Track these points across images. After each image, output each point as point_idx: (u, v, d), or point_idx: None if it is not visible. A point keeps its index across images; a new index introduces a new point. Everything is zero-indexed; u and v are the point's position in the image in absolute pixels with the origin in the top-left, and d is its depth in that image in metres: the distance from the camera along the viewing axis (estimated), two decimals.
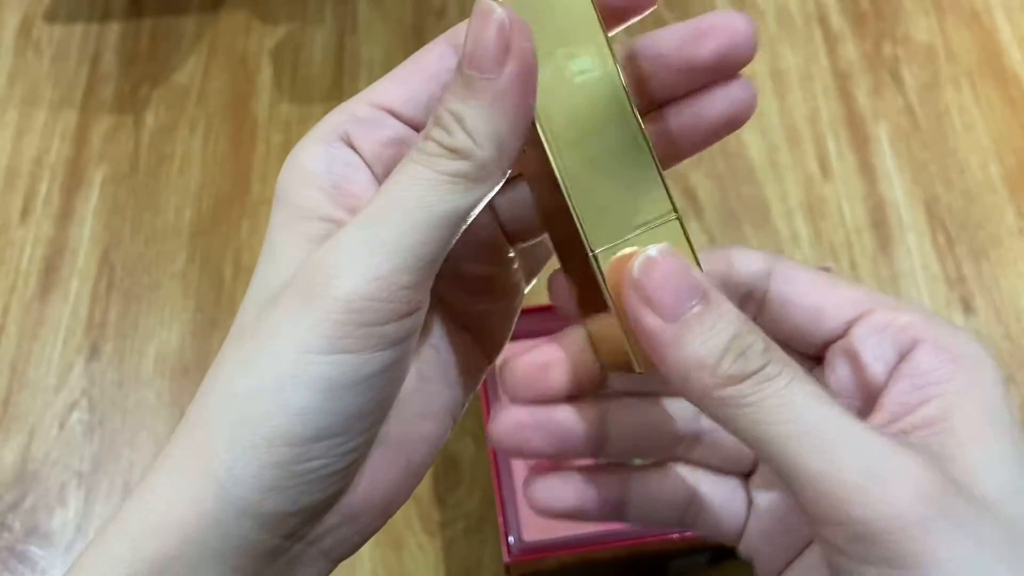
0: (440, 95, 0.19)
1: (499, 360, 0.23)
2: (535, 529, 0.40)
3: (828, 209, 0.54)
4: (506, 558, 0.40)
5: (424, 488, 0.47)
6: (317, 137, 0.22)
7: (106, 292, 0.53)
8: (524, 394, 0.23)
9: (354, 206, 0.20)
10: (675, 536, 0.39)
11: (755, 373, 0.18)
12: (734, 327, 0.18)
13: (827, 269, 0.26)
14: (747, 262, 0.23)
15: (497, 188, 0.20)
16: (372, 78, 0.61)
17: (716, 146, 0.60)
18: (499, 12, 0.18)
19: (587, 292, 0.21)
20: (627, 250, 0.20)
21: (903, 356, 0.20)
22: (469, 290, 0.22)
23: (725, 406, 0.18)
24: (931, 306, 0.50)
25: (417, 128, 0.21)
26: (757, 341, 0.18)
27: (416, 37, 0.62)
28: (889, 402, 0.20)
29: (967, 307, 0.50)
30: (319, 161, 0.21)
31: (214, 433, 0.19)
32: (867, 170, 0.55)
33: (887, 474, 0.17)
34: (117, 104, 0.60)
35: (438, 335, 0.22)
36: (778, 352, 0.19)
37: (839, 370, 0.22)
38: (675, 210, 0.20)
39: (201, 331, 0.52)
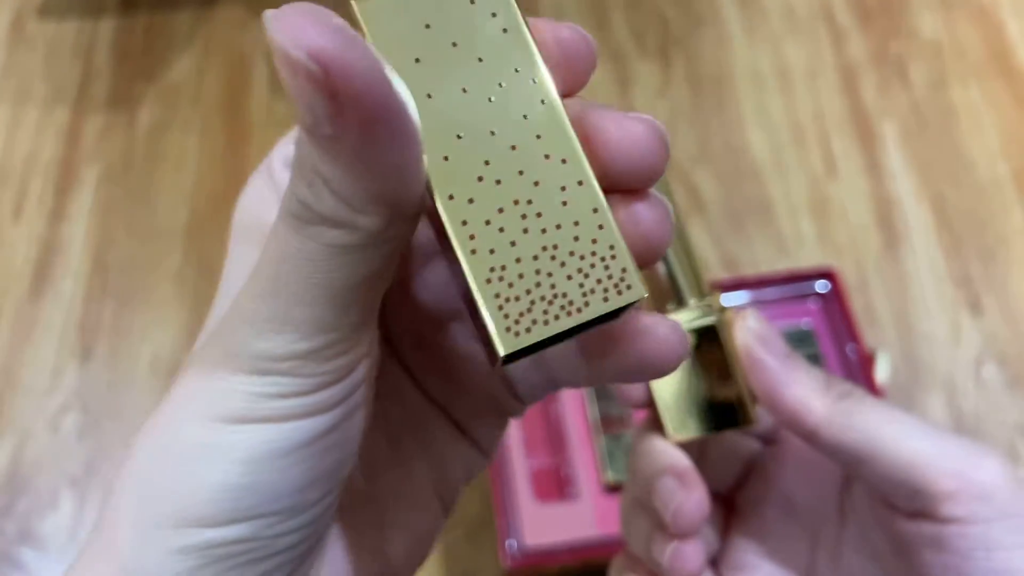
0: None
1: (664, 501, 0.25)
2: (535, 534, 0.40)
3: (833, 208, 0.53)
4: (506, 563, 0.39)
5: None
6: (266, 165, 0.19)
7: (100, 293, 0.53)
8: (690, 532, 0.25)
9: None
10: None
11: (853, 391, 0.23)
12: (819, 372, 0.24)
13: None
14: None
15: (412, 233, 0.16)
16: None
17: (720, 144, 0.60)
18: (301, 57, 0.13)
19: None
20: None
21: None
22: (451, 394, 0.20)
23: (840, 417, 0.22)
24: (938, 307, 0.50)
25: None
26: (838, 382, 0.24)
27: None
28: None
29: (974, 307, 0.49)
30: (270, 192, 0.19)
31: (120, 514, 0.16)
32: (873, 168, 0.54)
33: (983, 451, 0.22)
34: (111, 102, 0.60)
35: (422, 418, 0.20)
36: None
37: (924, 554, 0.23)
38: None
39: (196, 333, 0.51)
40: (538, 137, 0.15)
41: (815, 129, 0.56)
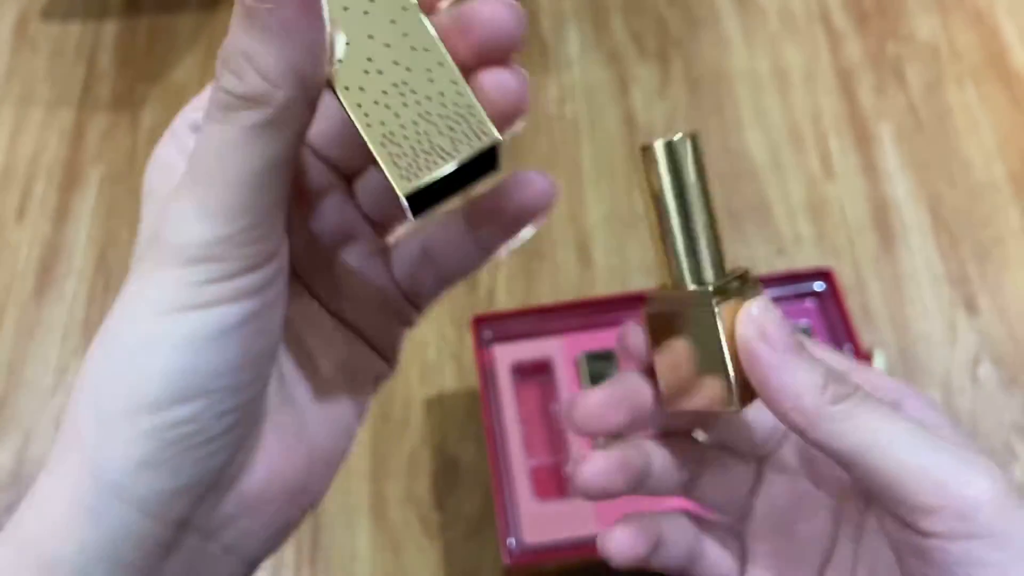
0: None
1: (564, 397, 0.26)
2: (535, 532, 0.40)
3: (831, 209, 0.53)
4: (506, 560, 0.39)
5: (424, 491, 0.46)
6: (171, 131, 0.22)
7: (103, 292, 0.53)
8: (588, 430, 0.25)
9: None
10: None
11: (852, 394, 0.22)
12: (824, 363, 0.22)
13: None
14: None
15: (309, 122, 0.19)
16: None
17: (718, 145, 0.60)
18: None
19: (668, 344, 0.24)
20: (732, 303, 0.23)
21: None
22: (347, 294, 0.23)
23: (833, 420, 0.21)
24: (935, 307, 0.50)
25: None
26: (843, 375, 0.22)
27: None
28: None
29: (970, 308, 0.50)
30: (178, 153, 0.21)
31: (80, 410, 0.18)
32: (870, 169, 0.54)
33: (974, 465, 0.21)
34: (114, 103, 0.60)
35: (324, 328, 0.23)
36: (859, 384, 0.22)
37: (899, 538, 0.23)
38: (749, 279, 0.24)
39: None
40: (404, 35, 0.19)
41: (812, 130, 0.56)
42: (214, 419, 0.18)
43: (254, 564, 0.21)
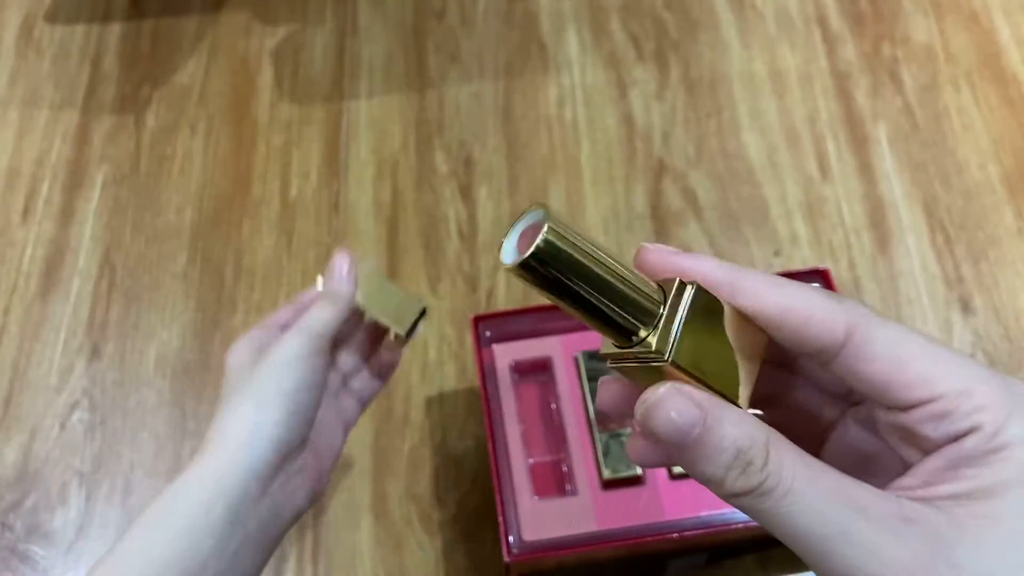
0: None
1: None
2: (534, 529, 0.41)
3: (827, 209, 0.54)
4: (506, 557, 0.40)
5: (424, 488, 0.47)
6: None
7: (107, 292, 0.53)
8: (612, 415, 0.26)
9: None
10: (675, 536, 0.39)
11: (755, 488, 0.21)
12: (734, 447, 0.21)
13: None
14: (822, 327, 0.22)
15: None
16: (372, 79, 0.61)
17: (715, 146, 0.60)
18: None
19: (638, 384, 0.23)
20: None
21: (956, 439, 0.21)
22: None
23: (741, 510, 0.21)
24: (930, 306, 0.50)
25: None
26: (757, 456, 0.21)
27: (416, 37, 0.62)
28: (921, 471, 0.21)
29: (966, 307, 0.50)
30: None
31: (240, 405, 0.35)
32: (866, 170, 0.55)
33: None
34: (118, 105, 0.60)
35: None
36: (779, 464, 0.21)
37: (889, 427, 0.22)
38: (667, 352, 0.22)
39: (202, 331, 0.52)
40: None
41: (809, 132, 0.56)
42: (309, 407, 0.35)
43: (298, 515, 0.35)
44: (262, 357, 0.35)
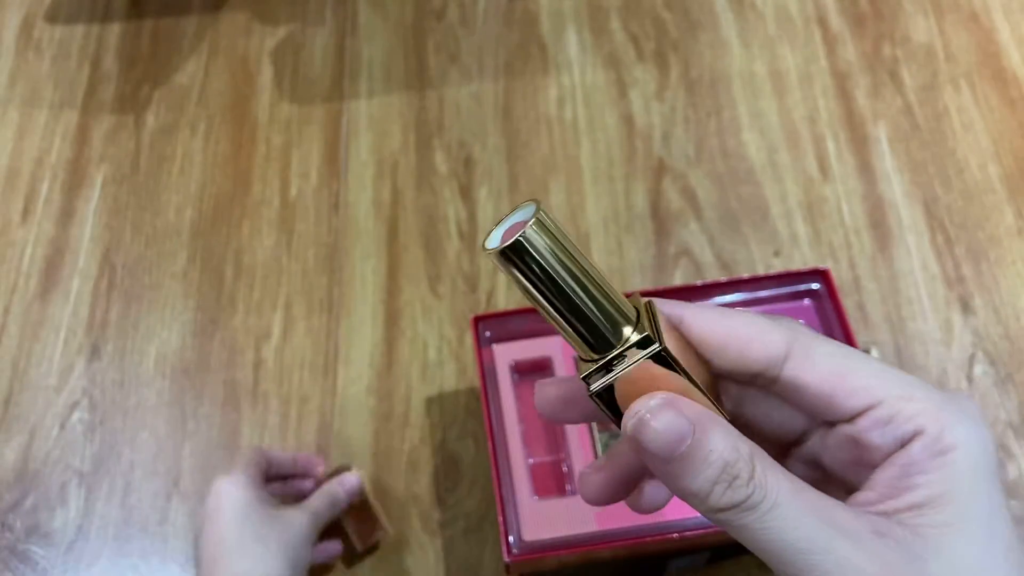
0: None
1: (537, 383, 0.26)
2: (535, 529, 0.41)
3: (827, 209, 0.54)
4: (506, 557, 0.40)
5: (424, 488, 0.47)
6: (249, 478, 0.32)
7: (107, 292, 0.53)
8: (550, 416, 0.25)
9: None
10: (675, 536, 0.39)
11: (741, 503, 0.20)
12: (721, 461, 0.20)
13: (867, 351, 0.25)
14: (764, 345, 0.22)
15: None
16: (372, 78, 0.61)
17: (716, 146, 0.60)
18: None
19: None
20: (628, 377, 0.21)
21: (903, 445, 0.21)
22: None
23: (721, 525, 0.21)
24: (930, 306, 0.50)
25: None
26: (744, 470, 0.21)
27: (416, 37, 0.62)
28: (877, 483, 0.21)
29: (966, 307, 0.50)
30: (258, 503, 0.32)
31: None
32: (866, 170, 0.55)
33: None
34: (118, 105, 0.60)
35: None
36: (764, 479, 0.21)
37: (838, 451, 0.23)
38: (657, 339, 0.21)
39: (202, 331, 0.52)
40: None
41: (809, 131, 0.56)
42: None
43: None
44: (273, 523, 0.41)
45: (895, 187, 0.54)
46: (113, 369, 0.51)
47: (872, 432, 0.21)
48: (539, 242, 0.20)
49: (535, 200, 0.21)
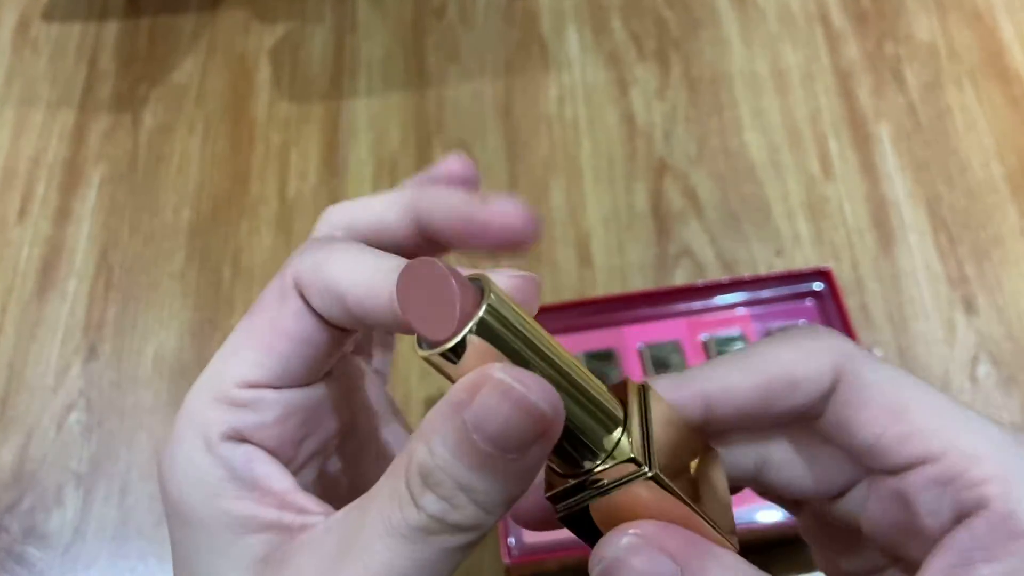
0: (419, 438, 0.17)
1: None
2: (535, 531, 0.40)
3: (830, 209, 0.53)
4: (506, 560, 0.39)
5: None
6: (199, 441, 0.19)
7: (104, 292, 0.53)
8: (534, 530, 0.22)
9: (282, 502, 0.18)
10: None
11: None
12: None
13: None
14: (809, 383, 0.18)
15: None
16: (371, 77, 0.61)
17: (717, 145, 0.60)
18: (537, 402, 0.16)
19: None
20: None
21: (961, 518, 0.17)
22: None
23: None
24: (933, 307, 0.50)
25: (298, 386, 0.19)
26: None
27: (415, 35, 0.62)
28: (931, 572, 0.17)
29: (969, 307, 0.50)
30: (216, 468, 0.18)
31: None
32: (869, 170, 0.55)
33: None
34: (115, 103, 0.60)
35: None
36: None
37: (881, 508, 0.19)
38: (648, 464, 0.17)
39: (200, 331, 0.52)
40: None
41: (811, 130, 0.56)
42: None
43: None
44: None
45: (898, 186, 0.54)
46: (111, 370, 0.51)
47: (925, 494, 0.17)
48: (492, 334, 0.16)
49: (479, 274, 0.17)
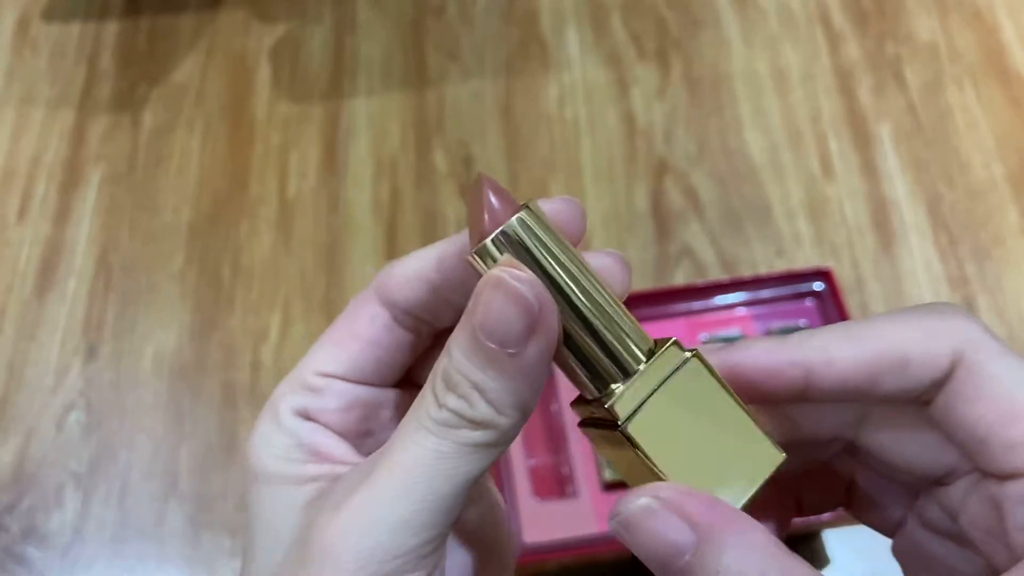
0: (448, 354, 0.18)
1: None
2: (534, 531, 0.40)
3: (830, 209, 0.53)
4: None
5: None
6: (273, 414, 0.21)
7: (104, 292, 0.53)
8: None
9: (338, 462, 0.20)
10: None
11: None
12: None
13: None
14: (923, 367, 0.17)
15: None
16: (371, 76, 0.61)
17: (718, 145, 0.60)
18: (524, 292, 0.17)
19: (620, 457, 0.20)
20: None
21: None
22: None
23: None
24: None
25: (364, 383, 0.22)
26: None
27: (415, 35, 0.62)
28: None
29: (970, 307, 0.50)
30: (284, 436, 0.21)
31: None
32: (869, 169, 0.55)
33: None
34: (115, 103, 0.60)
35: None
36: None
37: (978, 509, 0.18)
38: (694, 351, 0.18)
39: (199, 331, 0.52)
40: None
41: (812, 130, 0.56)
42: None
43: None
44: None
45: (898, 186, 0.54)
46: (110, 370, 0.51)
47: (1019, 506, 0.17)
48: (524, 237, 0.18)
49: (530, 201, 0.19)
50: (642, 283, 0.51)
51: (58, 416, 0.49)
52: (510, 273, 0.17)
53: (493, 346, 0.17)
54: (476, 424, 0.18)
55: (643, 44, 0.60)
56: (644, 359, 0.18)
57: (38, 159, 0.58)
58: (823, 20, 0.60)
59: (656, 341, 0.19)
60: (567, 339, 0.18)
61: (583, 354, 0.18)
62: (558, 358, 0.19)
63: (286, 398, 0.21)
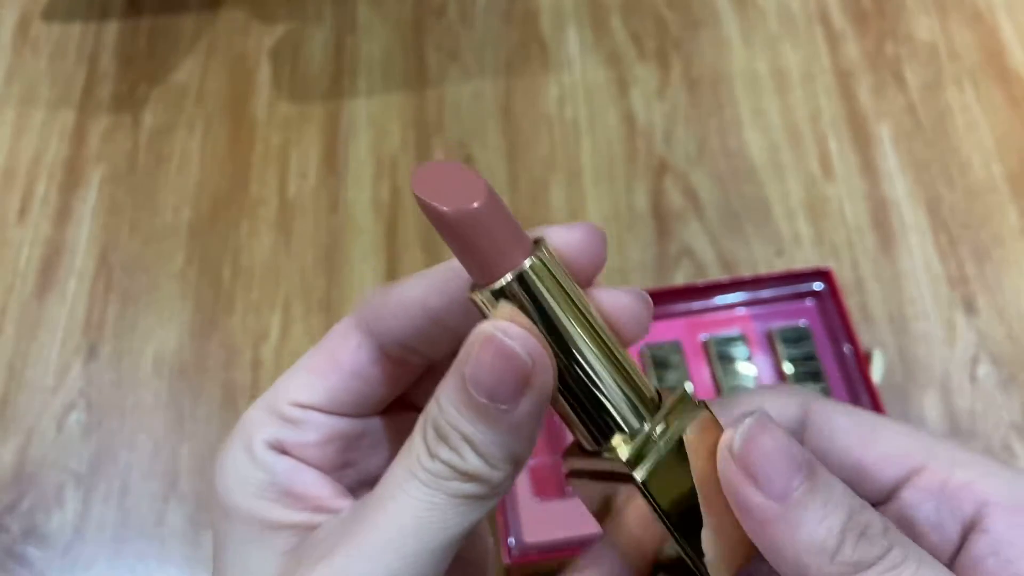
0: (435, 403, 0.18)
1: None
2: (534, 531, 0.40)
3: (830, 209, 0.53)
4: (506, 559, 0.39)
5: None
6: (245, 444, 0.20)
7: (104, 292, 0.53)
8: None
9: (316, 507, 0.20)
10: None
11: (880, 559, 0.16)
12: (848, 504, 0.16)
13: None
14: (777, 409, 0.19)
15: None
16: (371, 77, 0.61)
17: (718, 145, 0.60)
18: (517, 350, 0.17)
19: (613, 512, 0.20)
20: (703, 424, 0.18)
21: (970, 526, 0.17)
22: None
23: None
24: (933, 307, 0.50)
25: (344, 415, 0.21)
26: (875, 520, 0.16)
27: (415, 35, 0.62)
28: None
29: (969, 307, 0.50)
30: (258, 471, 0.20)
31: None
32: (869, 170, 0.55)
33: None
34: (115, 103, 0.60)
35: None
36: (897, 532, 0.16)
37: None
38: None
39: (199, 331, 0.52)
40: None
41: (812, 131, 0.56)
42: None
43: None
44: None
45: (898, 187, 0.54)
46: (110, 370, 0.51)
47: (923, 507, 0.17)
48: (532, 283, 0.17)
49: (539, 237, 0.18)
50: (641, 283, 0.51)
51: (58, 416, 0.49)
52: (503, 329, 0.17)
53: (484, 400, 0.17)
54: (467, 476, 0.17)
55: (643, 44, 0.60)
56: (649, 415, 0.18)
57: (38, 159, 0.58)
58: (823, 20, 0.60)
59: (658, 391, 0.19)
60: (567, 390, 0.18)
61: (585, 407, 0.18)
62: (557, 407, 0.18)
63: (260, 428, 0.20)
